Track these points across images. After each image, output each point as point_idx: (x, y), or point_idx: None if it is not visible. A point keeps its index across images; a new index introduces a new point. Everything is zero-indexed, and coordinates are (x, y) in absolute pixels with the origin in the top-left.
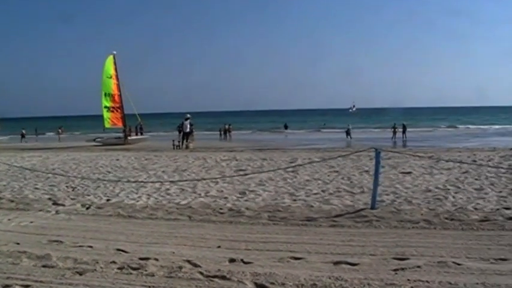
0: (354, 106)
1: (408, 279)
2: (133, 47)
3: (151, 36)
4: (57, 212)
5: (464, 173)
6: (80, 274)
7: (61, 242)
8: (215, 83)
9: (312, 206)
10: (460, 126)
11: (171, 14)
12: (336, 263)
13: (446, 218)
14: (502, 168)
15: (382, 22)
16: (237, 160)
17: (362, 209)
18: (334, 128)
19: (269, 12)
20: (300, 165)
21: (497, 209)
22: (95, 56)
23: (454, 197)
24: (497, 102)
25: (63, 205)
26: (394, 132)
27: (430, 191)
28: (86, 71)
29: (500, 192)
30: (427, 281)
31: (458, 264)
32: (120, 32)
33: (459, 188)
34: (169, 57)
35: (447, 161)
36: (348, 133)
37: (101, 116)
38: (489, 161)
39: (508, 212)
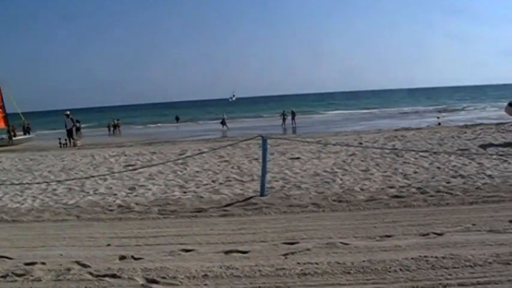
0: (233, 95)
1: (298, 263)
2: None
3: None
4: None
5: (350, 155)
6: None
7: None
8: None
9: (202, 197)
10: (360, 110)
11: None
12: (227, 252)
13: (334, 200)
14: (386, 149)
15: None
16: (125, 155)
17: (252, 197)
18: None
19: None
20: (190, 156)
21: (382, 189)
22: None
23: (341, 179)
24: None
25: None
26: (284, 119)
27: (318, 174)
28: None
29: (385, 172)
30: (316, 263)
31: (346, 244)
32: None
33: (346, 170)
34: None
35: (334, 145)
36: (223, 123)
37: None
38: (374, 142)
39: (392, 190)
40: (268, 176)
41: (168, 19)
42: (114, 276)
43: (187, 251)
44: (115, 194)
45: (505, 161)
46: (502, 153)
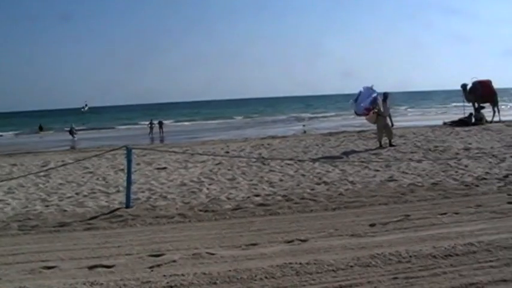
0: (86, 105)
1: (164, 275)
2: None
3: None
4: None
5: (217, 164)
6: None
7: None
8: None
9: (65, 211)
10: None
11: None
12: (91, 267)
13: (201, 210)
14: (252, 157)
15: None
16: None
17: (117, 209)
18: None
19: None
20: (53, 168)
21: (248, 197)
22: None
23: (208, 188)
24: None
25: None
26: (151, 128)
27: (185, 184)
28: None
29: (251, 180)
30: (183, 274)
31: (212, 254)
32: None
33: (213, 179)
34: None
35: (201, 154)
36: (71, 133)
37: None
38: (241, 151)
39: (258, 198)
40: (134, 187)
41: None
42: None
43: (49, 268)
44: None
45: (366, 167)
46: (363, 159)
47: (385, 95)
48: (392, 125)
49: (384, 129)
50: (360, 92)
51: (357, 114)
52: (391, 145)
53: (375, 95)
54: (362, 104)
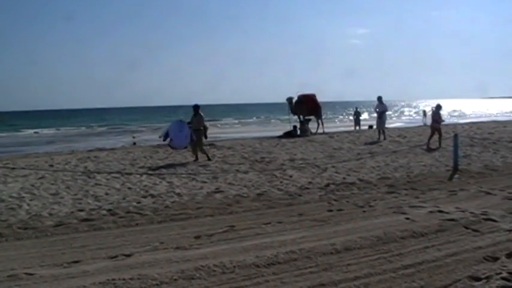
0: None
1: None
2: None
3: None
4: None
5: (40, 178)
6: None
7: None
8: None
9: None
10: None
11: None
12: None
13: (20, 228)
14: (79, 171)
15: None
16: None
17: None
18: None
19: None
20: None
21: (72, 212)
22: None
23: (29, 204)
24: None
25: None
26: None
27: (3, 201)
28: None
29: (76, 194)
30: None
31: (31, 275)
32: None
33: (35, 194)
34: None
35: (23, 168)
36: None
37: None
38: (66, 164)
39: (82, 213)
40: None
41: None
42: None
43: None
44: None
45: (194, 179)
46: (191, 171)
47: (195, 108)
48: (206, 137)
49: (198, 143)
50: (169, 128)
51: (174, 147)
52: (209, 159)
53: (186, 130)
54: (178, 143)
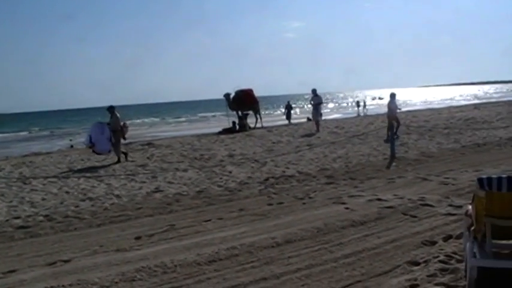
0: None
1: None
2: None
3: None
4: None
5: None
6: None
7: None
8: None
9: None
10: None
11: None
12: None
13: None
14: (13, 177)
15: None
16: None
17: None
18: None
19: None
20: None
21: (7, 220)
22: None
23: None
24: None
25: None
26: None
27: None
28: None
29: (11, 202)
30: None
31: None
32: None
33: None
34: None
35: None
36: None
37: None
38: (0, 171)
39: (17, 221)
40: None
41: None
42: None
43: None
44: None
45: (133, 179)
46: (129, 172)
47: (110, 109)
48: (125, 138)
49: (116, 144)
50: (91, 131)
51: (99, 153)
52: (126, 159)
53: (107, 131)
54: (101, 147)
